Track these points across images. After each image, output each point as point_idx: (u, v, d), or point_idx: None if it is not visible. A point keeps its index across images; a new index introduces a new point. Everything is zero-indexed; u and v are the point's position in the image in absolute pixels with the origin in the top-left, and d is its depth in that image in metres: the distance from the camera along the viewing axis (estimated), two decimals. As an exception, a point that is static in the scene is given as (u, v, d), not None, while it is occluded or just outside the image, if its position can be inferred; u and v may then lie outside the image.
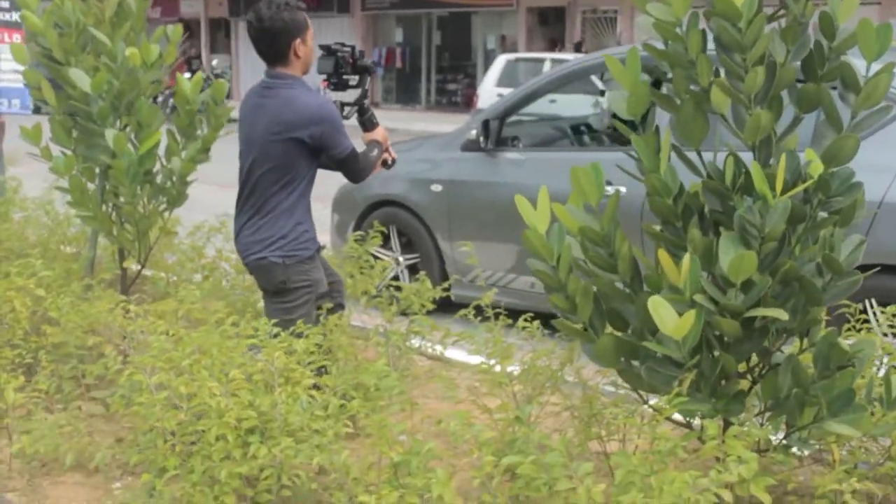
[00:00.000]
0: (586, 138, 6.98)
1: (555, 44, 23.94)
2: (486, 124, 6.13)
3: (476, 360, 3.83)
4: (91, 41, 4.79)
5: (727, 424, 2.94)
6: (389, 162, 4.32)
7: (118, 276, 5.14)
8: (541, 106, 7.07)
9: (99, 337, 4.26)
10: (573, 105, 9.19)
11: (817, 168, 2.68)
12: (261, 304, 4.23)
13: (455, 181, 6.31)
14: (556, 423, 3.63)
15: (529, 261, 3.08)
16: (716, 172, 2.82)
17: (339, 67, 4.15)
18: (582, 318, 2.98)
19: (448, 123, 18.32)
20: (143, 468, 3.31)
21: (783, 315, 2.65)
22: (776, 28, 2.78)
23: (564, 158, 6.24)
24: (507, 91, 16.91)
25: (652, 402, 3.24)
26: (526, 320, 3.85)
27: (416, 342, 4.38)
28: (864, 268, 3.00)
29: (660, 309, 2.62)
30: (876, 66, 2.76)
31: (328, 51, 4.16)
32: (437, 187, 6.43)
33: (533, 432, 2.80)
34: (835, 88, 2.86)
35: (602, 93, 7.17)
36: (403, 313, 4.66)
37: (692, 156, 2.96)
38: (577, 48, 22.44)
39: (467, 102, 26.93)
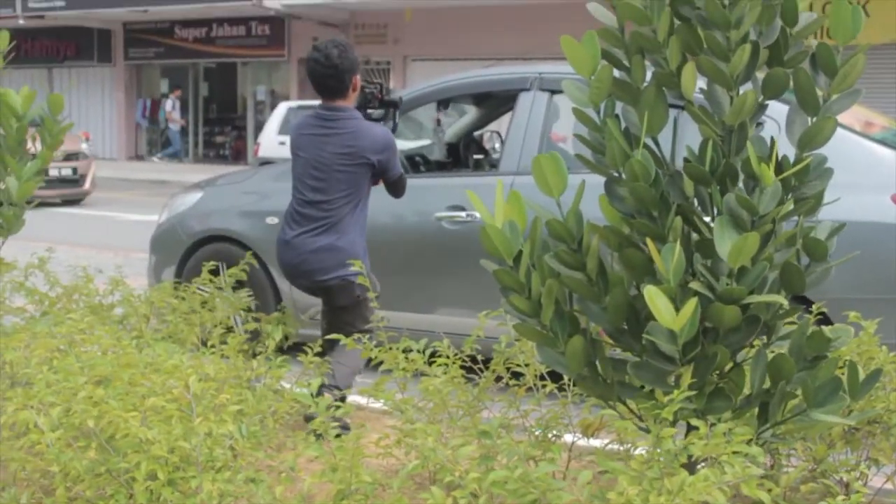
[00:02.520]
0: (423, 168, 6.81)
1: None
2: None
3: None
4: None
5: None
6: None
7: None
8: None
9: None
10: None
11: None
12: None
13: None
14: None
15: (483, 262, 2.84)
16: (694, 158, 2.68)
17: (367, 102, 4.67)
18: (544, 321, 2.76)
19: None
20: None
21: (783, 301, 2.54)
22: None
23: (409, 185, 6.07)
24: (288, 139, 16.56)
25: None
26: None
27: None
28: None
29: (656, 298, 2.44)
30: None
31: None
32: (272, 220, 6.05)
33: (518, 444, 2.53)
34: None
35: (438, 122, 7.04)
36: (254, 354, 4.24)
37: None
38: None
39: (236, 155, 26.18)
